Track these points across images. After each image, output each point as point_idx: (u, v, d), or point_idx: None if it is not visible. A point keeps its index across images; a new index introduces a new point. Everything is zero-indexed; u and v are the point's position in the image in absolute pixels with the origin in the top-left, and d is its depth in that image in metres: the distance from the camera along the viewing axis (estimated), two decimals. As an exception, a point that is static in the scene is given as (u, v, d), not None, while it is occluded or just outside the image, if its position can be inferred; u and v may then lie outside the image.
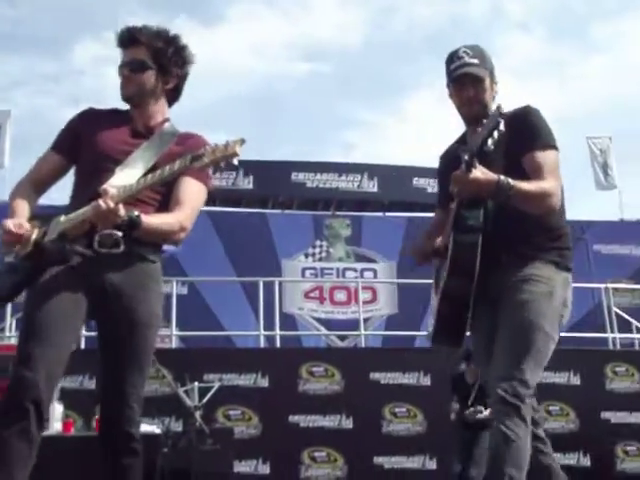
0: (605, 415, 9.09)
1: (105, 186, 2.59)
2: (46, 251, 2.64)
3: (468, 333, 3.11)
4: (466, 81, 3.10)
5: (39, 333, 2.57)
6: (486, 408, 6.45)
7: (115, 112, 2.98)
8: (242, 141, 2.47)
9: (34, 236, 2.66)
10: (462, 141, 3.20)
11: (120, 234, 2.61)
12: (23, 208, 2.82)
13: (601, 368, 9.34)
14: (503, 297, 2.96)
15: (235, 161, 2.48)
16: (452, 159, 3.08)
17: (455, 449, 7.32)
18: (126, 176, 2.71)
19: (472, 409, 6.82)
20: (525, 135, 2.96)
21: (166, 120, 2.95)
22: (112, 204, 2.52)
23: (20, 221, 2.72)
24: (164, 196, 2.80)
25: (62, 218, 2.67)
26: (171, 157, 2.70)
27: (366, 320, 11.37)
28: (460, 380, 7.34)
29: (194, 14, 33.39)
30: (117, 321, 2.71)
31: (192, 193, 2.83)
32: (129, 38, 2.88)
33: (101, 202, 2.52)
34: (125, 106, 2.96)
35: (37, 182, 2.92)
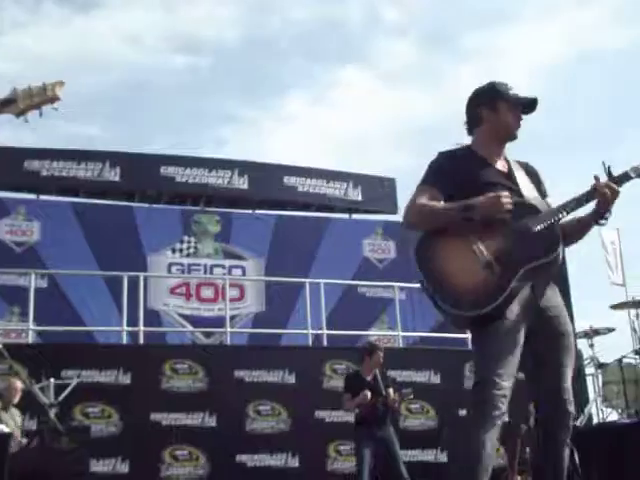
0: (463, 413, 9.38)
1: None
2: None
3: None
4: (528, 111, 3.36)
5: None
6: None
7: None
8: (62, 83, 2.24)
9: None
10: (475, 155, 3.33)
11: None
12: None
13: (460, 367, 9.64)
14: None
15: (56, 106, 2.25)
16: (462, 163, 3.28)
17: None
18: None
19: None
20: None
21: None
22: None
23: None
24: None
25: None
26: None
27: (233, 317, 11.30)
28: None
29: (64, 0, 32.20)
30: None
31: None
32: None
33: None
34: None
35: None
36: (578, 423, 8.82)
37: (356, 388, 7.69)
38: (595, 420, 8.85)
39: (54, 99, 2.22)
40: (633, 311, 8.43)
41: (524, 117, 3.35)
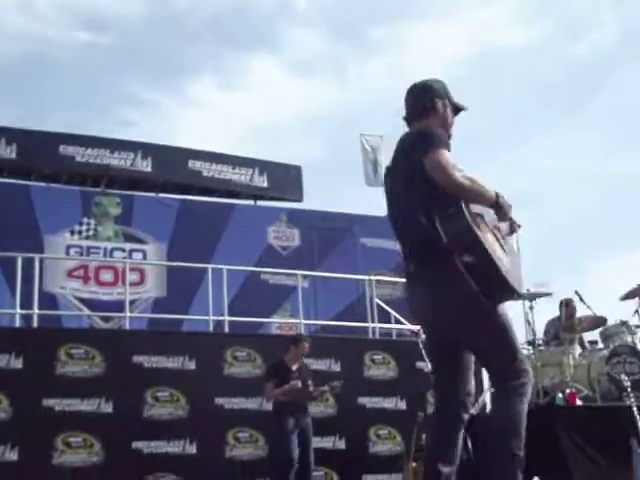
0: (362, 400, 9.50)
1: None
2: None
3: None
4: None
5: None
6: None
7: None
8: None
9: None
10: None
11: None
12: None
13: (361, 356, 9.74)
14: None
15: None
16: None
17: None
18: None
19: None
20: None
21: None
22: None
23: None
24: None
25: None
26: None
27: (132, 302, 11.05)
28: None
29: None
30: None
31: None
32: None
33: None
34: None
35: None
36: (473, 411, 9.04)
37: (280, 377, 7.82)
38: (489, 408, 9.06)
39: None
40: (527, 303, 8.64)
41: None
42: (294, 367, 8.03)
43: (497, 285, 3.16)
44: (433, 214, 3.21)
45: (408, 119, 3.61)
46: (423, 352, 8.28)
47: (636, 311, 8.90)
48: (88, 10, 26.34)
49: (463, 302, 3.20)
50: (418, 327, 11.05)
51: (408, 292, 3.51)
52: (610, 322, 8.49)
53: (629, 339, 8.57)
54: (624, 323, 8.65)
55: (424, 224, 3.26)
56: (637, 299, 8.80)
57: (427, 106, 3.52)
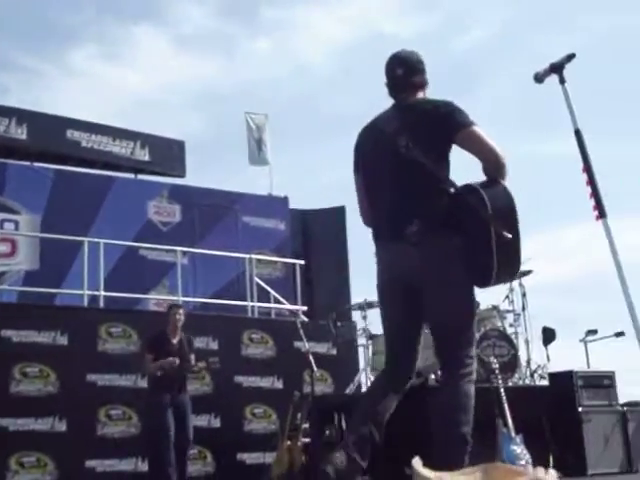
0: (238, 379, 9.49)
1: None
2: None
3: None
4: None
5: None
6: None
7: None
8: None
9: None
10: None
11: None
12: None
13: (239, 335, 9.72)
14: None
15: None
16: None
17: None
18: None
19: None
20: None
21: None
22: None
23: None
24: None
25: None
26: None
27: (2, 274, 10.61)
28: None
29: None
30: None
31: None
32: None
33: None
34: None
35: None
36: (348, 390, 9.22)
37: (160, 350, 7.69)
38: (364, 388, 9.25)
39: None
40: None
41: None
42: (174, 340, 7.91)
43: (512, 266, 3.38)
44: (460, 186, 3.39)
45: (399, 87, 3.63)
46: (301, 332, 8.40)
47: (506, 296, 9.28)
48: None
49: (456, 277, 3.38)
50: (300, 307, 11.26)
51: (396, 251, 3.52)
52: (482, 307, 8.80)
53: (499, 323, 8.92)
54: (495, 307, 9.01)
55: (438, 194, 3.40)
56: (507, 285, 9.17)
57: (421, 81, 3.64)
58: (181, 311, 8.09)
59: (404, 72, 3.59)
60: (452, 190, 3.39)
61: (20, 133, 12.87)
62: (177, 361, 7.63)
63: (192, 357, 7.96)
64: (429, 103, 3.57)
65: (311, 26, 29.49)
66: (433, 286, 3.41)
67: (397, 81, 3.62)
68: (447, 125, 3.39)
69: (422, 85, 3.64)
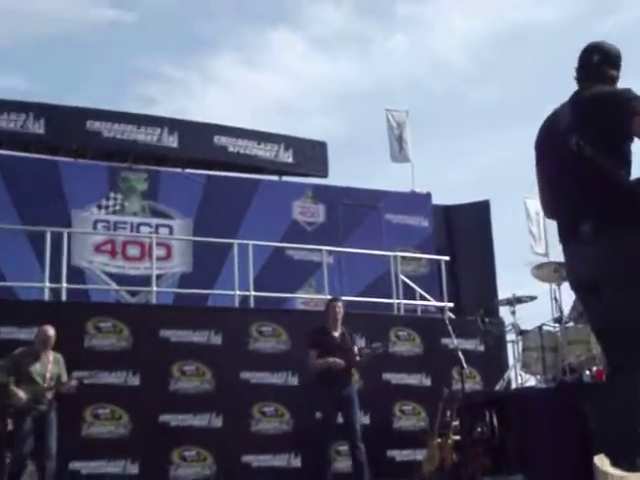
0: (386, 376, 9.54)
1: None
2: None
3: None
4: None
5: None
6: None
7: None
8: None
9: None
10: None
11: None
12: None
13: (386, 332, 9.76)
14: None
15: None
16: None
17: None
18: None
19: None
20: None
21: None
22: None
23: None
24: None
25: None
26: None
27: (159, 277, 11.13)
28: None
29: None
30: None
31: None
32: None
33: None
34: None
35: None
36: (498, 387, 9.06)
37: (322, 345, 7.75)
38: (514, 385, 9.07)
39: None
40: (554, 280, 8.60)
41: None
42: (336, 333, 7.95)
43: None
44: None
45: (588, 74, 3.57)
46: (449, 329, 8.28)
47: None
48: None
49: (634, 275, 3.22)
50: (446, 304, 11.16)
51: (574, 253, 3.48)
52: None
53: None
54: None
55: (612, 191, 3.26)
56: None
57: (604, 75, 3.53)
58: (340, 304, 8.15)
59: (600, 60, 3.53)
60: (626, 185, 3.24)
61: (171, 141, 13.46)
62: (342, 363, 7.68)
63: (355, 349, 8.01)
64: (606, 92, 3.44)
65: (447, 20, 29.17)
66: (610, 284, 3.28)
67: (589, 68, 3.54)
68: (623, 113, 3.24)
69: (612, 79, 3.53)
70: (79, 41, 28.25)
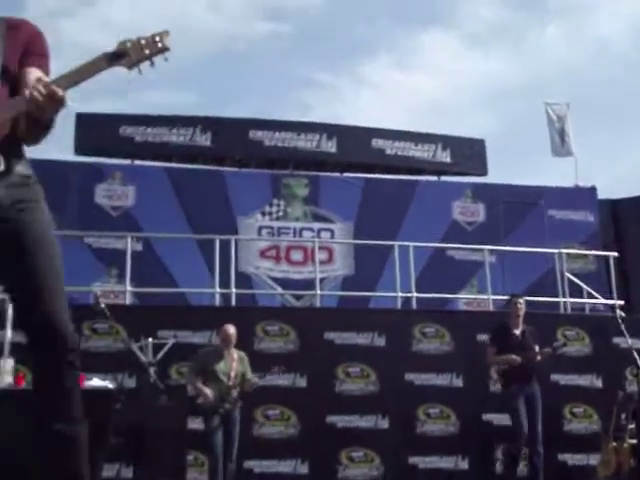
0: (555, 377, 9.27)
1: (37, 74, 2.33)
2: None
3: None
4: None
5: None
6: None
7: None
8: (168, 33, 2.24)
9: None
10: None
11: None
12: None
13: (553, 331, 9.48)
14: None
15: (167, 56, 2.24)
16: None
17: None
18: None
19: None
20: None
21: None
22: (61, 90, 2.23)
23: None
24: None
25: None
26: (16, 48, 2.49)
27: (322, 280, 11.37)
28: None
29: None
30: (13, 240, 2.45)
31: None
32: None
33: (53, 86, 2.22)
34: None
35: None
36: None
37: (503, 342, 7.75)
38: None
39: (164, 49, 2.23)
40: None
41: None
42: (517, 331, 7.88)
43: None
44: None
45: None
46: (622, 327, 7.90)
47: None
48: (270, 1, 27.17)
49: None
50: (617, 302, 10.71)
51: None
52: None
53: None
54: None
55: None
56: None
57: None
58: (522, 301, 8.08)
59: None
60: None
61: (330, 147, 13.72)
62: (518, 359, 7.58)
63: (536, 347, 7.87)
64: None
65: (607, 4, 27.90)
66: None
67: None
68: None
69: None
70: (240, 54, 29.34)
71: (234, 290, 9.64)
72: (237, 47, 29.84)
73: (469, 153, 14.30)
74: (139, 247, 11.15)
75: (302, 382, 8.73)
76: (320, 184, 13.32)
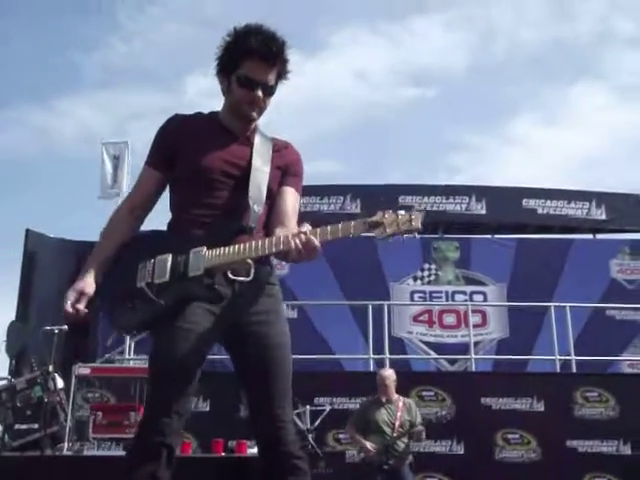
0: None
1: (305, 225, 2.58)
2: (191, 288, 2.59)
3: None
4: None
5: (174, 373, 2.51)
6: None
7: (205, 117, 2.86)
8: (423, 213, 2.43)
9: (169, 265, 2.61)
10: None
11: (251, 261, 2.60)
12: (107, 248, 2.75)
13: None
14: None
15: (417, 235, 2.43)
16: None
17: None
18: (256, 196, 2.69)
19: None
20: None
21: (256, 126, 2.86)
22: (318, 243, 2.49)
23: (82, 290, 2.64)
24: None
25: (206, 252, 2.60)
26: (275, 172, 2.77)
27: (476, 344, 11.24)
28: None
29: (298, 42, 33.91)
30: (252, 350, 2.67)
31: (296, 208, 2.82)
32: (275, 56, 2.72)
33: (314, 240, 2.48)
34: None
35: (138, 204, 2.82)
36: None
37: None
38: None
39: (417, 230, 2.40)
40: None
41: None
42: None
43: None
44: None
45: None
46: None
47: None
48: (413, 68, 27.66)
49: None
50: None
51: None
52: None
53: None
54: None
55: None
56: None
57: None
58: None
59: None
60: None
61: (480, 208, 13.68)
62: None
63: None
64: None
65: None
66: None
67: None
68: None
69: None
70: (383, 121, 29.89)
71: (388, 355, 9.71)
72: (382, 114, 30.44)
73: (625, 208, 13.83)
74: (294, 315, 11.45)
75: (459, 449, 8.63)
76: (471, 246, 13.26)
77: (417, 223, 2.39)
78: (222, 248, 2.59)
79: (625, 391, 8.86)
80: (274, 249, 2.55)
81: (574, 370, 9.79)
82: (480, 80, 30.11)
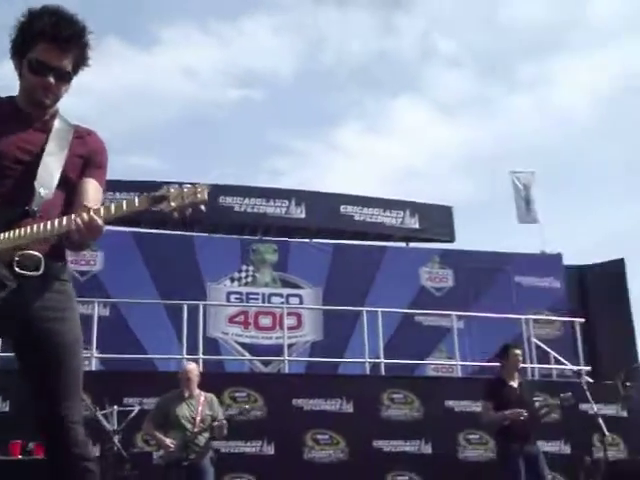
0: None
1: (87, 203, 2.45)
2: None
3: None
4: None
5: None
6: None
7: (3, 101, 2.68)
8: (209, 186, 2.40)
9: None
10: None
11: (40, 255, 2.46)
12: None
13: (520, 397, 9.49)
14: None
15: (203, 208, 2.39)
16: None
17: None
18: (45, 181, 2.53)
19: None
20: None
21: (56, 111, 2.71)
22: (101, 221, 2.36)
23: None
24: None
25: None
26: (75, 159, 2.64)
27: (290, 346, 11.34)
28: None
29: (125, 36, 33.05)
30: (44, 348, 2.54)
31: (97, 199, 2.67)
32: (70, 39, 2.55)
33: (96, 218, 2.34)
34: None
35: None
36: None
37: (500, 397, 6.74)
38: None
39: (203, 202, 2.38)
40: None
41: None
42: (514, 384, 6.87)
43: None
44: None
45: None
46: (588, 394, 7.86)
47: None
48: (240, 69, 27.68)
49: None
50: (583, 367, 10.74)
51: None
52: None
53: None
54: None
55: None
56: None
57: None
58: (519, 351, 7.08)
59: None
60: None
61: (299, 212, 13.83)
62: (525, 413, 6.54)
63: (535, 401, 7.25)
64: None
65: (569, 77, 28.78)
66: None
67: None
68: None
69: None
70: (208, 120, 29.67)
71: (202, 356, 9.58)
72: (208, 113, 30.21)
73: (437, 219, 14.49)
74: (106, 312, 11.05)
75: (270, 449, 8.64)
76: (289, 250, 13.38)
77: (203, 195, 2.37)
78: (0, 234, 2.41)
79: (428, 393, 9.22)
80: (55, 231, 2.41)
81: (383, 373, 10.08)
82: (307, 86, 30.61)
